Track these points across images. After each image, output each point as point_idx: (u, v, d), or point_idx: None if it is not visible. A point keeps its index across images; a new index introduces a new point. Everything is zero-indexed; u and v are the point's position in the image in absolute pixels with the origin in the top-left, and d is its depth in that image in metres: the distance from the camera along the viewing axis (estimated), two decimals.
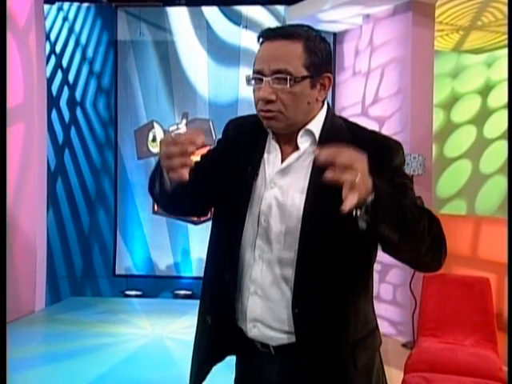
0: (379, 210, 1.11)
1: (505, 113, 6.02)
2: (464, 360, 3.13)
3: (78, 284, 6.05)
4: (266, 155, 1.37)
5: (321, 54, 1.30)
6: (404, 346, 4.40)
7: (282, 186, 1.32)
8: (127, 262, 6.13)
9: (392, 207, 1.14)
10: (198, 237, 6.01)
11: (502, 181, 6.07)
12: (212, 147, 1.50)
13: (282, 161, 1.34)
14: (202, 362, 1.42)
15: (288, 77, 1.25)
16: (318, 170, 1.23)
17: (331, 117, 1.37)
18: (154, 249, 6.10)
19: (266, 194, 1.33)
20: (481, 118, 6.47)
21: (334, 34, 5.61)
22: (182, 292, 5.86)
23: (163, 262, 6.08)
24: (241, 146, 1.41)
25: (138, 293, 5.97)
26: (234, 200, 1.35)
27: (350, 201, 1.05)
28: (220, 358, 1.42)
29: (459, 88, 6.71)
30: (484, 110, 6.46)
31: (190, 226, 6.05)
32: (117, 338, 4.32)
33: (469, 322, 3.50)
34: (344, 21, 5.27)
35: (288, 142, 1.35)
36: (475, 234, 4.50)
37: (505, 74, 5.80)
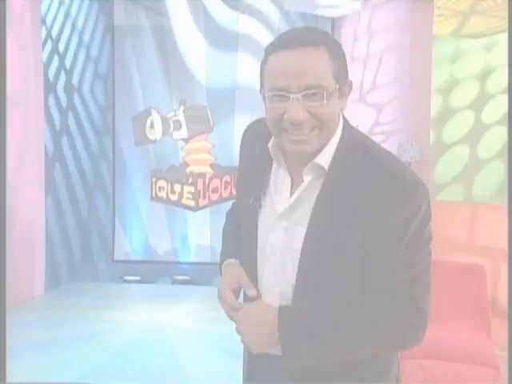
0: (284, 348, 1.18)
1: (503, 98, 6.00)
2: (459, 346, 3.17)
3: (77, 269, 6.07)
4: (273, 183, 1.27)
5: (343, 60, 1.18)
6: None
7: (289, 219, 1.23)
8: (126, 247, 6.16)
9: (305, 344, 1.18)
10: (197, 223, 6.03)
11: (500, 166, 6.07)
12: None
13: (292, 191, 1.24)
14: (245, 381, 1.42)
15: (324, 92, 1.10)
16: (319, 205, 1.19)
17: (347, 138, 1.21)
18: (152, 234, 6.12)
19: (274, 227, 1.24)
20: (479, 103, 6.44)
21: (332, 20, 5.57)
22: (181, 277, 5.83)
23: (162, 247, 6.11)
24: (247, 165, 1.35)
25: (137, 278, 5.98)
26: (245, 231, 1.30)
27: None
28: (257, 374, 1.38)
29: (458, 73, 6.67)
30: (482, 95, 6.42)
31: (188, 212, 6.07)
32: (116, 324, 4.35)
33: (464, 309, 3.53)
34: (342, 6, 5.22)
35: (299, 171, 1.23)
36: (472, 220, 4.52)
37: (504, 59, 5.76)
